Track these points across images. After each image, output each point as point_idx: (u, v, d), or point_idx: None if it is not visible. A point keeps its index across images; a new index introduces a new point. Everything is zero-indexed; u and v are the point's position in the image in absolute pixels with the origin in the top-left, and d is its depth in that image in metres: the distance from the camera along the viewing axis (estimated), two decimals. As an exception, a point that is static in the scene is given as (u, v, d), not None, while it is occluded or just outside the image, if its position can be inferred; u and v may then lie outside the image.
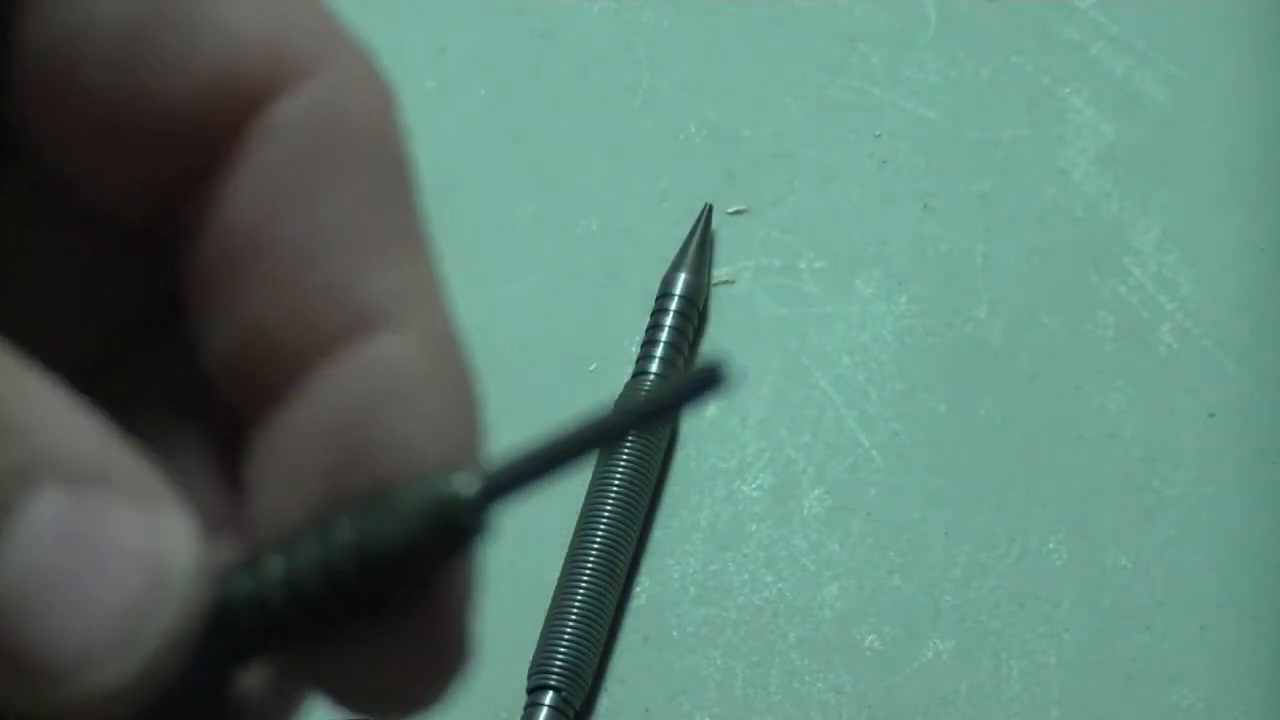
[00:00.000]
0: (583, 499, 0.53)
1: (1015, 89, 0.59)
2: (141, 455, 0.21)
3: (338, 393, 0.22)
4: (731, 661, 0.52)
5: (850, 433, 0.54)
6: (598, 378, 0.56)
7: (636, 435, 0.51)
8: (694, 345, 0.56)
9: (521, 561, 0.53)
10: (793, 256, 0.57)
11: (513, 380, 0.55)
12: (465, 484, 0.21)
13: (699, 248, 0.56)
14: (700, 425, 0.55)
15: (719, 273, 0.57)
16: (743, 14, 0.61)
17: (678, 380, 0.21)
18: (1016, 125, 0.58)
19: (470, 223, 0.58)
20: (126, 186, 0.23)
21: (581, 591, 0.51)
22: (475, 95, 0.61)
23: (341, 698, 0.23)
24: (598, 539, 0.52)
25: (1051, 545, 0.52)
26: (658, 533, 0.54)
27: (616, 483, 0.52)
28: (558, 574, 0.52)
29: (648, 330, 0.55)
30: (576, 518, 0.52)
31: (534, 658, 0.51)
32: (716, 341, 0.56)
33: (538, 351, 0.56)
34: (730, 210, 0.58)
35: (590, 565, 0.51)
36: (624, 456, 0.52)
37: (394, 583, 0.22)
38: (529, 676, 0.51)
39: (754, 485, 0.54)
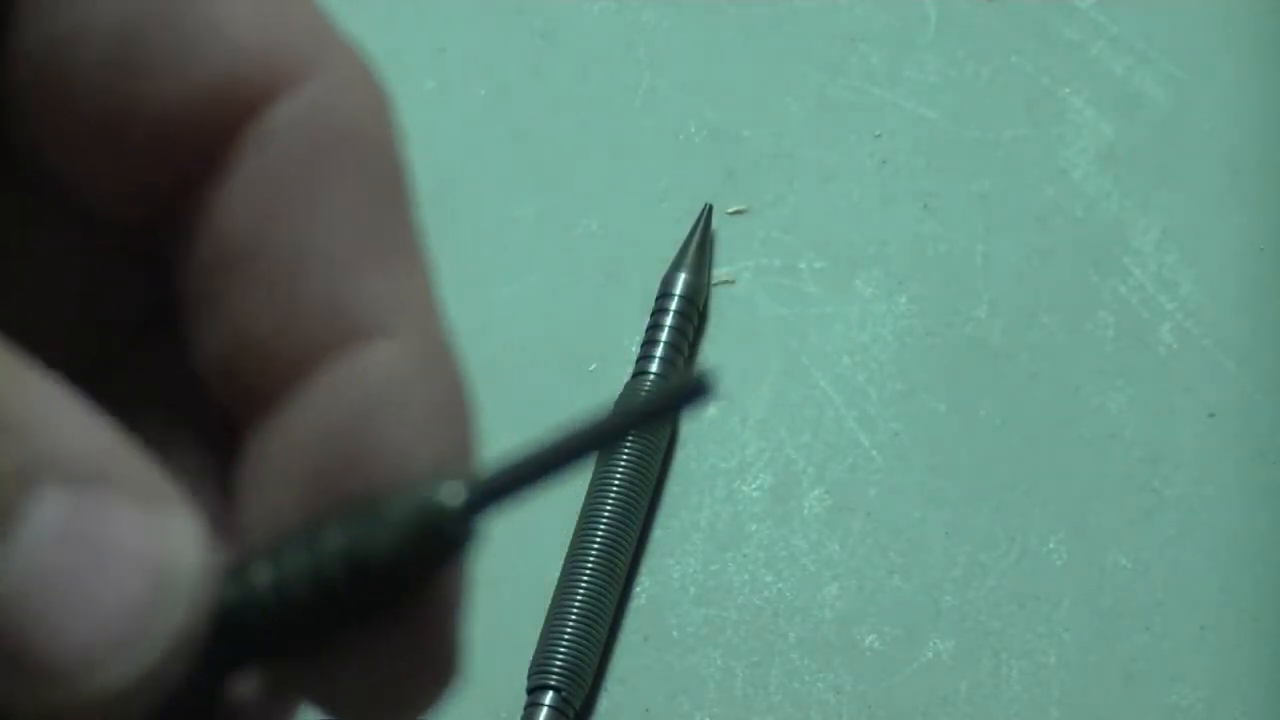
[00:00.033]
0: (583, 499, 0.53)
1: (1015, 89, 0.59)
2: (146, 456, 0.21)
3: (330, 400, 0.22)
4: (731, 661, 0.52)
5: (850, 433, 0.54)
6: (598, 378, 0.56)
7: (636, 435, 0.51)
8: (694, 345, 0.56)
9: (521, 561, 0.53)
10: (793, 256, 0.57)
11: (513, 380, 0.55)
12: (452, 494, 0.21)
13: (699, 248, 0.56)
14: (700, 425, 0.55)
15: (719, 273, 0.57)
16: (743, 14, 0.61)
17: (664, 390, 0.21)
18: (1016, 125, 0.58)
19: (470, 223, 0.58)
20: (123, 189, 0.23)
21: (581, 591, 0.51)
22: (475, 95, 0.61)
23: (331, 706, 0.23)
24: (598, 539, 0.52)
25: (1051, 545, 0.52)
26: (658, 533, 0.54)
27: (616, 483, 0.52)
28: (558, 574, 0.52)
29: (648, 330, 0.55)
30: (576, 518, 0.52)
31: (534, 658, 0.51)
32: (716, 341, 0.56)
33: (538, 351, 0.56)
34: (730, 210, 0.58)
35: (590, 565, 0.51)
36: (624, 456, 0.52)
37: (382, 591, 0.21)
38: (529, 676, 0.51)
39: (754, 485, 0.54)
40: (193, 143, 0.23)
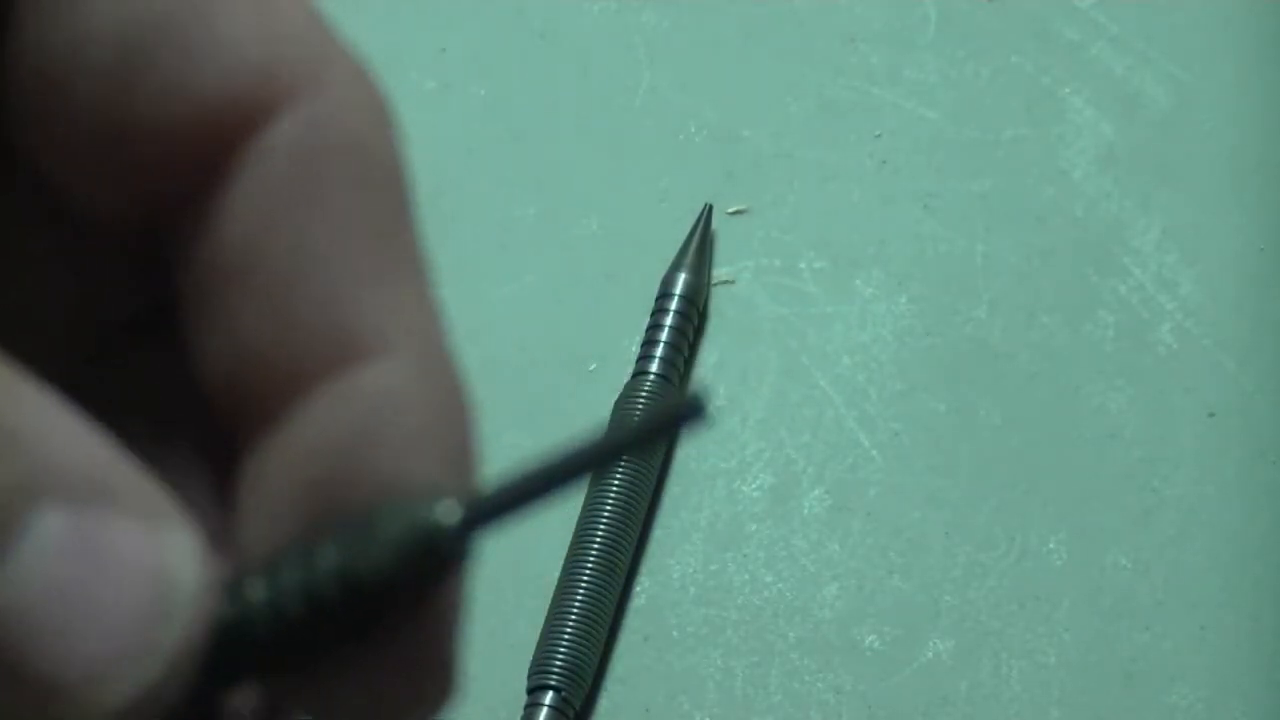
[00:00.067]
0: (583, 499, 0.53)
1: (1015, 89, 0.59)
2: (145, 471, 0.21)
3: (328, 417, 0.22)
4: (731, 661, 0.52)
5: (850, 433, 0.54)
6: (598, 378, 0.56)
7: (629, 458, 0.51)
8: (694, 345, 0.56)
9: (521, 561, 0.53)
10: (793, 256, 0.57)
11: (513, 380, 0.55)
12: (447, 512, 0.21)
13: (699, 248, 0.56)
14: (700, 425, 0.55)
15: (719, 273, 0.57)
16: (743, 14, 0.61)
17: (659, 413, 0.21)
18: (1016, 125, 0.58)
19: (470, 223, 0.58)
20: (121, 199, 0.23)
21: (581, 591, 0.51)
22: (475, 95, 0.61)
23: None
24: (598, 539, 0.52)
25: (1051, 545, 0.52)
26: (658, 533, 0.54)
27: (616, 483, 0.52)
28: (558, 574, 0.52)
29: (648, 330, 0.55)
30: (576, 517, 0.52)
31: (534, 658, 0.51)
32: (716, 341, 0.56)
33: (538, 351, 0.56)
34: (730, 210, 0.58)
35: (590, 565, 0.51)
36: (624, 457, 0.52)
37: (377, 608, 0.21)
38: (529, 676, 0.51)
39: (754, 485, 0.54)
40: (192, 155, 0.23)
